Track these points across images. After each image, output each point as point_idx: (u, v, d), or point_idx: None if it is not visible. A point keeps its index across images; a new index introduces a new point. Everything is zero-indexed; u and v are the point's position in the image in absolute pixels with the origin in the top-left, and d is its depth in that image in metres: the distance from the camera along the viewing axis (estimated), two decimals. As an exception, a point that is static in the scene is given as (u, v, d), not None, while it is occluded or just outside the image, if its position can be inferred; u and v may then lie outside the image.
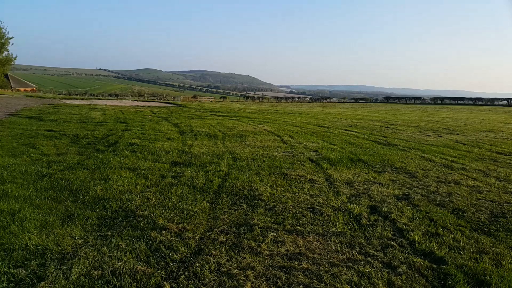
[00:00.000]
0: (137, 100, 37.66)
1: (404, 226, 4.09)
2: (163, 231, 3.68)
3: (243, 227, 3.90)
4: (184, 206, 4.46)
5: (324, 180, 6.06)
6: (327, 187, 5.61)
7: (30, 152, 7.38)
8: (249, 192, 5.15)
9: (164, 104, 30.76)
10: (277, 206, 4.61)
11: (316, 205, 4.71)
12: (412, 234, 3.85)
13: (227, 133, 11.60)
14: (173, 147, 8.61)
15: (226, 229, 3.85)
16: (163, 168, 6.41)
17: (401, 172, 6.84)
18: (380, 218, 4.36)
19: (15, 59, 38.37)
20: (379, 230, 3.97)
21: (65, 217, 3.93)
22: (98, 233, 3.59)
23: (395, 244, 3.63)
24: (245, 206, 4.61)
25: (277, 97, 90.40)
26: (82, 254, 3.13)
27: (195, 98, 72.54)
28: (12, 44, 36.52)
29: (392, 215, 4.43)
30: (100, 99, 38.97)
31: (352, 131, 14.05)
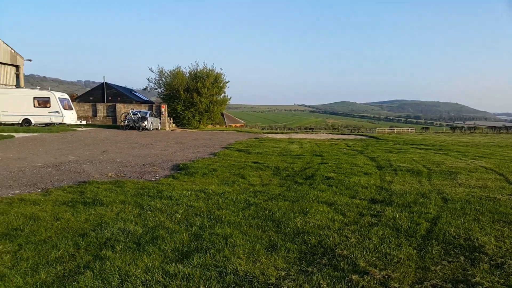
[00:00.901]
0: (331, 133, 38.98)
1: None
2: (365, 276, 3.49)
3: (461, 285, 3.33)
4: (387, 250, 4.17)
5: None
6: None
7: (240, 181, 8.46)
8: (466, 242, 4.41)
9: (359, 137, 30.69)
10: (507, 263, 3.78)
11: None
12: None
13: (433, 169, 10.51)
14: (371, 182, 8.35)
15: (439, 283, 3.35)
16: (361, 205, 6.24)
17: None
18: None
19: (229, 99, 45.99)
20: None
21: (269, 247, 4.24)
22: (299, 267, 3.70)
23: None
24: (462, 258, 3.96)
25: (494, 127, 77.58)
26: None
27: (392, 129, 69.73)
28: (228, 87, 43.95)
29: None
30: (297, 132, 42.15)
31: None
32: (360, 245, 4.31)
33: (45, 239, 4.32)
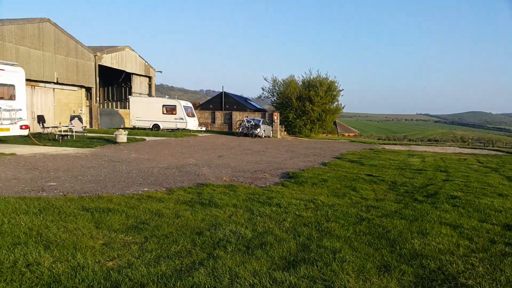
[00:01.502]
0: (459, 147, 35.30)
1: None
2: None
3: None
4: (525, 286, 3.63)
5: None
6: None
7: (351, 194, 8.24)
8: None
9: (493, 152, 27.20)
10: None
11: None
12: None
13: None
14: (506, 205, 7.35)
15: None
16: (493, 231, 5.54)
17: None
18: None
19: (343, 108, 45.13)
20: None
21: (381, 267, 4.05)
22: (414, 293, 3.45)
23: None
24: None
25: None
26: (397, 312, 3.08)
27: (537, 145, 60.32)
28: (342, 95, 43.16)
29: None
30: (419, 144, 39.25)
31: None
32: (489, 276, 3.83)
33: (167, 234, 4.82)
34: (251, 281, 3.53)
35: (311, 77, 41.89)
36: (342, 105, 44.40)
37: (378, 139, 66.23)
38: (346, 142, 33.39)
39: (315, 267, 3.93)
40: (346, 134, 63.92)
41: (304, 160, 15.82)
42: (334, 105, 43.04)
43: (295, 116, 40.02)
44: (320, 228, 5.38)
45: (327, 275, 3.73)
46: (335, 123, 57.40)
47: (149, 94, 38.88)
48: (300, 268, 3.87)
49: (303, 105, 39.58)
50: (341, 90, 42.54)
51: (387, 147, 29.10)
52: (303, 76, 42.95)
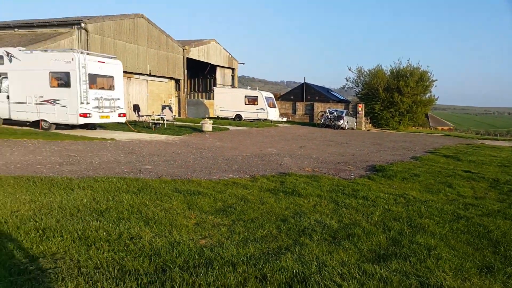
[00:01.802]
0: None
1: None
2: None
3: None
4: None
5: None
6: None
7: (447, 191, 7.72)
8: None
9: None
10: None
11: None
12: None
13: None
14: None
15: None
16: None
17: None
18: None
19: (436, 99, 42.05)
20: None
21: (482, 267, 3.77)
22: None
23: None
24: None
25: None
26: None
27: None
28: (435, 86, 40.28)
29: None
30: (525, 141, 35.15)
31: None
32: None
33: (253, 219, 4.99)
34: (339, 271, 3.51)
35: (401, 66, 39.62)
36: (436, 97, 41.42)
37: (476, 133, 60.81)
38: (439, 136, 31.18)
39: (408, 262, 3.78)
40: (439, 128, 59.69)
41: (392, 153, 15.15)
42: (426, 96, 40.29)
43: (381, 108, 38.31)
44: (412, 224, 5.15)
45: (421, 271, 3.58)
46: (427, 116, 53.89)
47: (232, 85, 40.11)
48: (391, 262, 3.76)
49: (391, 96, 37.70)
50: (434, 81, 39.69)
51: (487, 142, 26.61)
52: (391, 66, 40.86)
